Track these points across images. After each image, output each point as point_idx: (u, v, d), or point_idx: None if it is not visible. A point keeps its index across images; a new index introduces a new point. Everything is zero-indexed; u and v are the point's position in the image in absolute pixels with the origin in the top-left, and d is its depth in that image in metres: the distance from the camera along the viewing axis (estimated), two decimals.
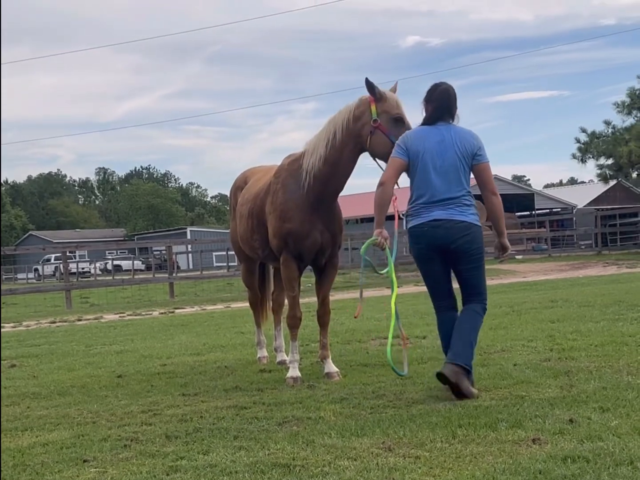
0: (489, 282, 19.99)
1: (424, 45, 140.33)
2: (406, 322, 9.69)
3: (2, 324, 15.03)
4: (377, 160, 6.12)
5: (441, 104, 5.53)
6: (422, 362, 6.77)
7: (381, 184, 5.48)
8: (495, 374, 6.01)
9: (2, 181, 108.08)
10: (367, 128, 5.99)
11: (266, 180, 6.75)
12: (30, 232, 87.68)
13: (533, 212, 50.49)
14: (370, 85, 6.00)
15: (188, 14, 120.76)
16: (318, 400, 5.45)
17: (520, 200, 49.51)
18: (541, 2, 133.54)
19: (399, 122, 5.94)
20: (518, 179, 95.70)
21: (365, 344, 8.41)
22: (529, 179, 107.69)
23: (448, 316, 5.78)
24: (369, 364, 6.92)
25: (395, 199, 5.78)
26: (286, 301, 6.94)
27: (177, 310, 16.49)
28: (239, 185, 7.50)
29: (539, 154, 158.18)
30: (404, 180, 5.85)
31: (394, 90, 6.18)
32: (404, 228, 5.82)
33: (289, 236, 6.31)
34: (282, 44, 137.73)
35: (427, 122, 5.57)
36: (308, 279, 22.89)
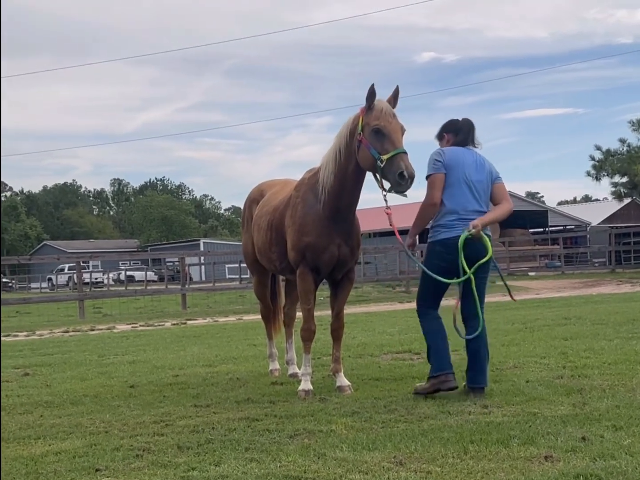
0: (502, 298, 19.90)
1: (439, 61, 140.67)
2: (418, 337, 9.67)
3: (15, 333, 15.13)
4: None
5: (468, 130, 6.04)
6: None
7: (434, 205, 5.87)
8: (507, 391, 6.00)
9: (17, 191, 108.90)
10: (356, 142, 5.91)
11: (286, 194, 6.75)
12: (44, 242, 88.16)
13: (546, 229, 50.31)
14: (369, 94, 5.83)
15: (206, 28, 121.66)
16: (330, 414, 5.46)
17: (533, 217, 49.35)
18: (557, 20, 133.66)
19: (379, 133, 5.73)
20: (532, 195, 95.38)
21: (377, 358, 8.41)
22: (542, 196, 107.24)
23: (439, 324, 6.17)
24: (380, 378, 6.92)
25: (390, 213, 6.07)
26: (299, 314, 6.95)
27: (189, 322, 16.53)
28: (254, 198, 7.47)
29: (553, 170, 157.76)
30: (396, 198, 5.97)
31: (394, 95, 5.99)
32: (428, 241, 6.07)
33: (307, 249, 6.29)
34: (298, 58, 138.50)
35: (455, 144, 6.01)
36: (321, 292, 22.91)
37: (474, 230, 5.77)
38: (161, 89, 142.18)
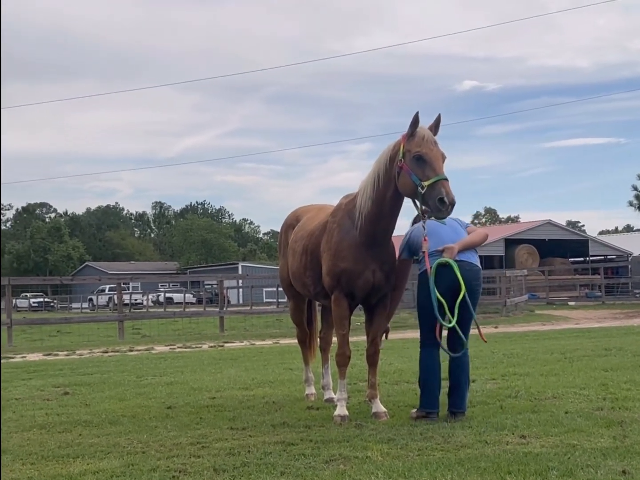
0: (541, 327, 19.62)
1: (480, 89, 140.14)
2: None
3: (56, 352, 15.34)
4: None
5: None
6: (471, 406, 6.69)
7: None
8: (546, 421, 5.93)
9: (61, 212, 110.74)
10: (396, 168, 5.95)
11: (322, 218, 6.78)
12: (86, 263, 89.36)
13: (587, 258, 49.58)
14: (413, 121, 5.91)
15: (248, 56, 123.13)
16: (365, 440, 5.44)
17: (574, 246, 48.73)
18: (599, 50, 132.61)
19: (420, 160, 5.78)
20: (572, 224, 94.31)
21: (414, 385, 8.33)
22: (583, 225, 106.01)
23: (434, 360, 6.49)
24: (417, 406, 6.86)
25: (427, 241, 6.20)
26: (335, 339, 6.95)
27: (226, 344, 16.60)
28: (290, 224, 7.49)
29: (595, 200, 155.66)
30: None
31: (436, 123, 6.03)
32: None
33: (342, 275, 6.29)
34: (338, 85, 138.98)
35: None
36: (357, 317, 22.86)
37: (446, 253, 6.16)
38: (203, 114, 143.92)
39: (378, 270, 6.34)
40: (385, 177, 6.06)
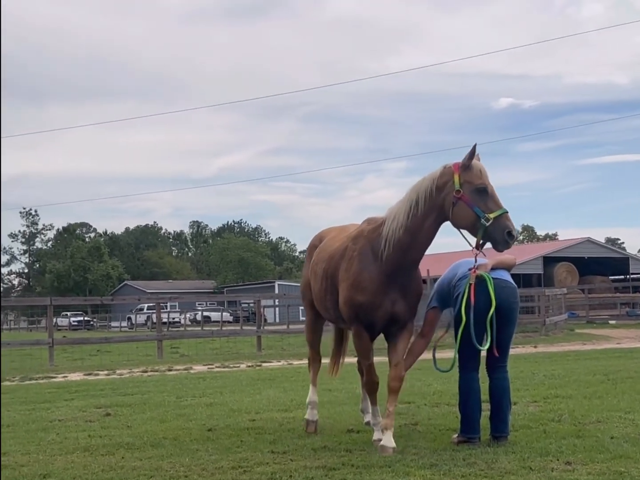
0: (582, 347, 19.34)
1: (517, 107, 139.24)
2: None
3: (97, 372, 15.50)
4: (462, 230, 6.01)
5: None
6: (513, 430, 6.61)
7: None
8: (591, 447, 5.83)
9: (101, 232, 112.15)
10: (450, 198, 5.87)
11: (342, 242, 6.61)
12: (125, 282, 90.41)
13: (628, 276, 48.82)
14: (471, 153, 5.90)
15: (285, 77, 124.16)
16: (407, 465, 5.40)
17: (614, 264, 48.07)
18: (637, 66, 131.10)
19: (482, 192, 5.81)
20: (612, 242, 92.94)
21: (454, 407, 8.25)
22: (623, 242, 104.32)
23: (476, 384, 6.49)
24: (458, 429, 6.79)
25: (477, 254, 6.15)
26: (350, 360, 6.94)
27: (264, 364, 16.62)
28: (314, 244, 7.39)
29: (634, 217, 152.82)
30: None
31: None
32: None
33: (360, 308, 6.15)
34: (374, 104, 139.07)
35: None
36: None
37: (480, 269, 6.17)
38: (240, 134, 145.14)
39: (400, 299, 6.16)
40: (427, 205, 5.94)
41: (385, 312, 6.16)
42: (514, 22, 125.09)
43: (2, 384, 13.31)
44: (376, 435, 6.30)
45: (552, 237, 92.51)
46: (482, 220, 5.74)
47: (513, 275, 6.54)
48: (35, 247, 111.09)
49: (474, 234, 5.89)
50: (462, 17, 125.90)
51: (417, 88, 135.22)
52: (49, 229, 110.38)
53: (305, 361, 17.25)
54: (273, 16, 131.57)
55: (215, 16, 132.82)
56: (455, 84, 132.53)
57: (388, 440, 5.99)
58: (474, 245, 5.94)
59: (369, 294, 6.09)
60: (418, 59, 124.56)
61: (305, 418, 7.23)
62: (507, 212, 5.79)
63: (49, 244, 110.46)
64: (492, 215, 5.73)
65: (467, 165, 5.90)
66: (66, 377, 14.75)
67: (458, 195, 5.83)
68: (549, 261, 44.22)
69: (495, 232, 5.75)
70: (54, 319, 30.19)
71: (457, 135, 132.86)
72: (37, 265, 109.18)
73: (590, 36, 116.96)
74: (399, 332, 6.32)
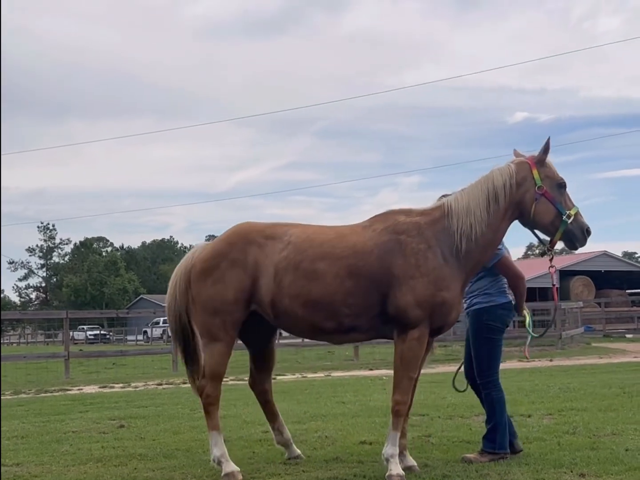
0: (598, 361, 19.21)
1: (532, 121, 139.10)
2: (510, 399, 9.44)
3: (112, 384, 15.55)
4: (537, 230, 5.82)
5: None
6: (527, 442, 6.57)
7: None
8: (605, 459, 5.79)
9: (118, 246, 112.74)
10: (531, 195, 5.68)
11: (372, 234, 5.69)
12: (141, 296, 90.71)
13: None
14: (546, 147, 5.78)
15: (301, 92, 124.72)
16: (420, 477, 5.40)
17: (631, 277, 47.71)
18: None
19: (563, 188, 5.74)
20: (629, 255, 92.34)
21: (468, 419, 8.24)
22: None
23: (504, 396, 6.32)
24: (472, 441, 6.78)
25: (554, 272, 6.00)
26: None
27: (278, 377, 16.59)
28: (253, 240, 5.77)
29: None
30: None
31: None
32: (501, 301, 6.21)
33: (441, 306, 5.49)
34: (389, 119, 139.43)
35: None
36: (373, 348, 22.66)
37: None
38: (256, 149, 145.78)
39: (461, 302, 5.89)
40: (507, 201, 5.70)
41: (456, 317, 5.74)
42: (530, 36, 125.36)
43: (15, 396, 13.40)
44: (394, 469, 5.46)
45: (569, 251, 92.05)
46: (564, 217, 5.64)
47: (530, 289, 6.56)
48: (52, 261, 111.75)
49: (552, 231, 5.73)
50: (479, 32, 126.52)
51: (432, 102, 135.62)
52: (67, 243, 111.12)
53: (320, 374, 17.23)
54: (290, 32, 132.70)
55: (233, 32, 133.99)
56: (470, 98, 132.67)
57: (410, 460, 5.79)
58: (547, 244, 5.82)
59: (452, 291, 5.54)
60: (434, 73, 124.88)
61: (227, 472, 5.65)
62: (579, 210, 5.75)
63: (66, 258, 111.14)
64: (572, 212, 5.68)
65: (543, 160, 5.78)
66: (81, 389, 14.80)
67: (541, 192, 5.68)
68: (565, 275, 43.94)
69: (576, 229, 5.69)
70: (71, 333, 30.35)
71: (472, 150, 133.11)
72: (55, 279, 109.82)
73: (606, 50, 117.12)
74: (432, 342, 5.96)
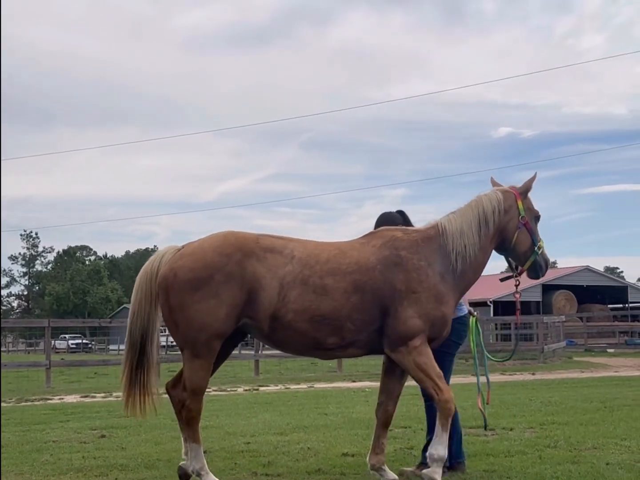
0: (580, 375, 19.25)
1: (516, 136, 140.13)
2: (492, 413, 9.48)
3: (93, 394, 15.45)
4: (510, 257, 6.07)
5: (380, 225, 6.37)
6: (509, 455, 6.60)
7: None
8: (586, 473, 5.82)
9: (101, 255, 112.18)
10: (514, 223, 5.93)
11: (373, 250, 5.72)
12: (124, 305, 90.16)
13: (626, 305, 48.81)
14: (533, 181, 6.05)
15: (287, 104, 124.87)
16: None
17: (612, 292, 48.10)
18: (636, 97, 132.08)
19: (537, 221, 6.08)
20: (611, 270, 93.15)
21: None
22: (622, 271, 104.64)
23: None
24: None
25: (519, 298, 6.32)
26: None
27: (261, 388, 16.58)
28: (251, 252, 5.54)
29: (633, 246, 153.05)
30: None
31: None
32: (457, 315, 6.29)
33: (440, 320, 5.62)
34: (374, 132, 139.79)
35: None
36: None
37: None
38: (241, 159, 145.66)
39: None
40: (494, 226, 5.91)
41: (449, 330, 5.81)
42: (515, 52, 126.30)
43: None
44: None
45: (551, 265, 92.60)
46: (536, 248, 5.97)
47: (510, 302, 6.66)
48: (35, 269, 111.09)
49: (523, 261, 6.01)
50: (464, 48, 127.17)
51: (417, 116, 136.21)
52: (49, 252, 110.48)
53: (303, 386, 17.21)
54: (277, 45, 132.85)
55: (219, 43, 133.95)
56: (455, 112, 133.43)
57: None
58: (515, 272, 6.11)
59: (450, 306, 5.72)
60: (419, 87, 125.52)
61: None
62: None
63: (49, 266, 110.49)
64: (542, 244, 6.01)
65: (526, 193, 6.06)
66: (62, 399, 14.70)
67: (523, 222, 5.95)
68: (547, 289, 44.21)
69: (541, 261, 6.02)
70: (52, 341, 30.15)
71: (456, 164, 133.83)
72: (37, 287, 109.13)
73: (590, 67, 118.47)
74: None
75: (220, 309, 5.39)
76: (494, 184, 6.20)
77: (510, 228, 5.93)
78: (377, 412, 5.93)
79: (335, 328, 5.58)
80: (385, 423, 5.90)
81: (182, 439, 5.88)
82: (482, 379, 6.36)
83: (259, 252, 5.55)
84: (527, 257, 5.97)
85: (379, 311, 5.57)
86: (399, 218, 6.46)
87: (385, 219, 6.42)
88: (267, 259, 5.54)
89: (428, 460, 5.50)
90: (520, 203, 5.97)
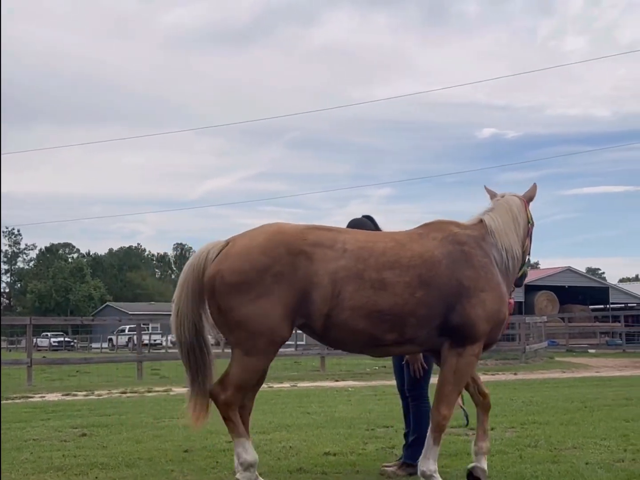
0: (561, 375, 19.35)
1: (500, 137, 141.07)
2: (474, 412, 9.51)
3: (75, 392, 15.38)
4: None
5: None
6: (489, 455, 6.59)
7: None
8: (566, 472, 5.86)
9: (84, 253, 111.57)
10: (526, 229, 5.96)
11: (442, 245, 5.45)
12: (107, 303, 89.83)
13: (607, 305, 49.18)
14: (536, 193, 6.12)
15: (272, 103, 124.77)
16: None
17: (594, 293, 48.43)
18: (619, 99, 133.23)
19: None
20: (592, 271, 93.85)
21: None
22: (603, 272, 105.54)
23: None
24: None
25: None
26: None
27: None
28: (301, 250, 5.21)
29: (615, 247, 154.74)
30: None
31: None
32: None
33: (501, 323, 5.47)
34: (360, 131, 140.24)
35: None
36: (374, 361, 22.70)
37: None
38: (226, 158, 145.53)
39: None
40: (522, 229, 5.91)
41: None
42: (498, 54, 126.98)
43: None
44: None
45: (534, 266, 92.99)
46: (527, 257, 6.06)
47: None
48: (17, 266, 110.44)
49: (519, 267, 5.88)
50: (448, 49, 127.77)
51: (403, 117, 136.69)
52: (32, 249, 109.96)
53: (286, 385, 17.19)
54: (261, 44, 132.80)
55: (204, 41, 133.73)
56: (440, 113, 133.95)
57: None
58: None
59: (507, 308, 5.53)
60: (404, 88, 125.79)
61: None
62: None
63: (31, 263, 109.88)
64: (528, 256, 6.07)
65: (530, 201, 6.11)
66: (44, 397, 14.60)
67: (531, 230, 6.02)
68: (529, 289, 44.43)
69: (526, 270, 6.07)
70: (34, 339, 29.95)
71: (441, 164, 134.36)
72: (19, 285, 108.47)
73: (572, 69, 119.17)
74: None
75: (275, 312, 5.07)
76: (489, 191, 6.18)
77: (524, 234, 5.91)
78: (474, 398, 5.88)
79: (395, 324, 5.27)
80: (485, 407, 5.84)
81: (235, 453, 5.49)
82: None
83: (307, 248, 5.21)
84: (521, 264, 5.88)
85: (444, 308, 5.27)
86: (369, 224, 6.28)
87: (355, 225, 6.21)
88: (315, 254, 5.20)
89: (420, 477, 5.34)
90: (529, 211, 6.00)
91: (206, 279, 5.22)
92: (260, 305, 5.05)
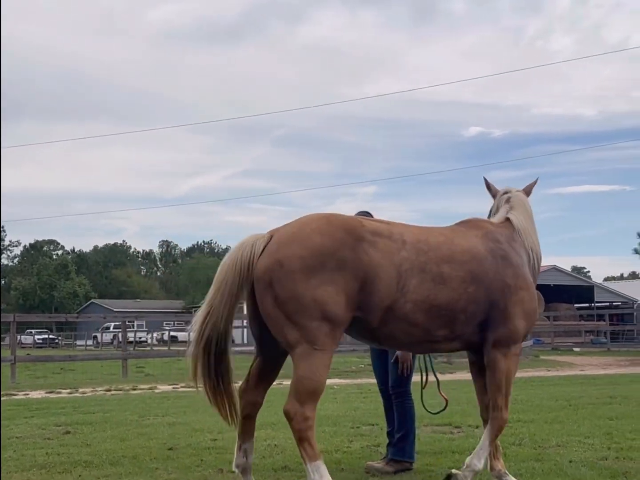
0: (546, 373, 19.42)
1: (486, 135, 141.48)
2: (459, 410, 9.55)
3: (59, 390, 15.30)
4: None
5: None
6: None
7: None
8: (549, 470, 5.88)
9: (69, 249, 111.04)
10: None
11: (484, 242, 5.38)
12: (92, 300, 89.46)
13: (592, 304, 49.49)
14: (533, 186, 6.13)
15: (258, 100, 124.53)
16: None
17: (579, 292, 48.72)
18: (605, 99, 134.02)
19: None
20: (578, 270, 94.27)
21: (417, 429, 8.27)
22: (589, 271, 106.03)
23: None
24: (419, 452, 6.79)
25: None
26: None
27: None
28: (361, 236, 4.90)
29: (600, 246, 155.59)
30: None
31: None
32: None
33: (532, 325, 5.46)
34: (346, 129, 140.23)
35: None
36: (360, 359, 22.70)
37: None
38: (212, 155, 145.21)
39: None
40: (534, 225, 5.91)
41: None
42: (485, 53, 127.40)
43: None
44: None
45: None
46: None
47: None
48: (1, 263, 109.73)
49: (539, 267, 5.84)
50: (436, 47, 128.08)
51: (390, 115, 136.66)
52: (16, 245, 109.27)
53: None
54: (249, 41, 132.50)
55: (192, 38, 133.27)
56: (427, 111, 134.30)
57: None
58: None
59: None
60: (391, 86, 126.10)
61: None
62: None
63: (15, 260, 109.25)
64: None
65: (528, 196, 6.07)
66: (27, 394, 14.52)
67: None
68: None
69: None
70: (18, 337, 29.80)
71: (427, 162, 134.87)
72: (3, 281, 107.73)
73: (559, 68, 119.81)
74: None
75: (340, 298, 4.70)
76: (489, 185, 6.15)
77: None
78: (482, 414, 5.59)
79: (448, 320, 5.12)
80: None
81: (236, 448, 5.46)
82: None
83: (369, 236, 4.91)
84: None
85: (487, 305, 5.17)
86: None
87: None
88: (378, 243, 4.92)
89: (465, 466, 5.22)
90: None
91: (259, 272, 4.76)
92: (326, 290, 4.68)
